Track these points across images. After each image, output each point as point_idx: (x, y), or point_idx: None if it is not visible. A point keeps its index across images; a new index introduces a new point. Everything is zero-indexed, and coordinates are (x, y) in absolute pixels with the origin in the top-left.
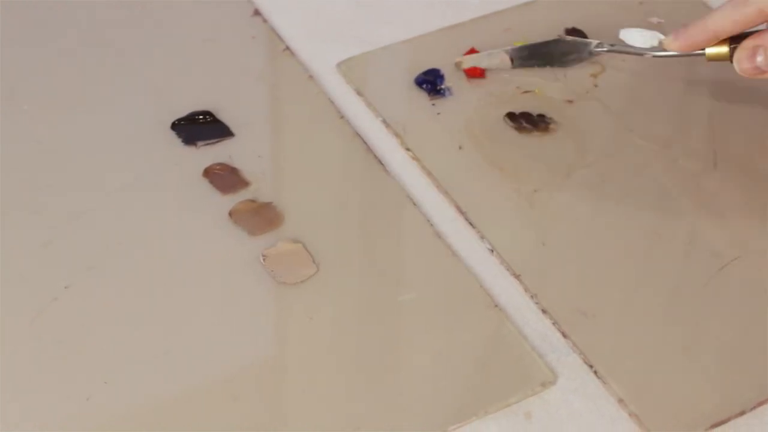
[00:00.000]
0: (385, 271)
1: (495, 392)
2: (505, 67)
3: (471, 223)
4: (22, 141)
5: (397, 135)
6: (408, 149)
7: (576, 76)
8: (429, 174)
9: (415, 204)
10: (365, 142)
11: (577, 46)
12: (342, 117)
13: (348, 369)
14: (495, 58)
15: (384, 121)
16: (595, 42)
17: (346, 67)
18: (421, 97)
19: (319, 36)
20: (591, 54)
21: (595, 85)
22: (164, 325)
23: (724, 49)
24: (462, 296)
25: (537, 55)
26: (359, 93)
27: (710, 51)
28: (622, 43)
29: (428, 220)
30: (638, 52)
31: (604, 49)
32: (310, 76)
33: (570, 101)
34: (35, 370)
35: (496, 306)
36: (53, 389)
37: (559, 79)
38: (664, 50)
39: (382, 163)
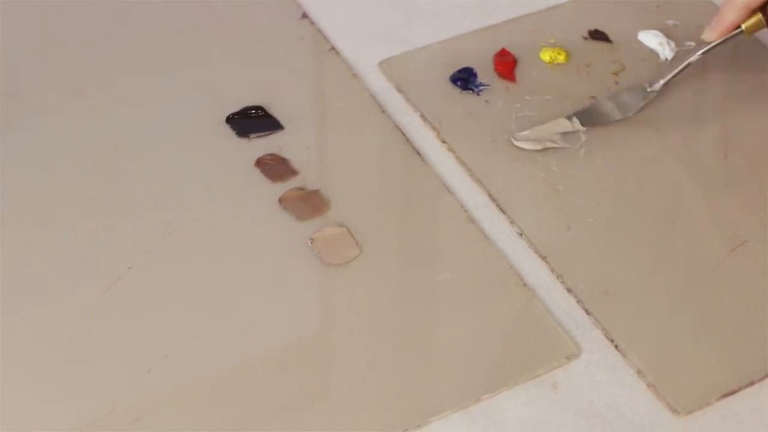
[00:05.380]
0: (422, 253)
1: (524, 364)
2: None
3: (502, 209)
4: (89, 133)
5: (433, 128)
6: (444, 141)
7: (599, 74)
8: (463, 164)
9: (450, 192)
10: (404, 135)
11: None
12: (383, 111)
13: (388, 343)
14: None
15: (422, 116)
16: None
17: (387, 66)
18: (456, 93)
19: (363, 37)
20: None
21: (616, 83)
22: (219, 303)
23: (758, 17)
24: (493, 276)
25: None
26: (399, 90)
27: (746, 25)
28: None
29: (462, 207)
30: (684, 67)
31: (658, 86)
32: (354, 74)
33: (593, 97)
34: (101, 344)
35: (525, 285)
36: (117, 362)
37: (582, 78)
38: (706, 44)
39: (419, 154)
